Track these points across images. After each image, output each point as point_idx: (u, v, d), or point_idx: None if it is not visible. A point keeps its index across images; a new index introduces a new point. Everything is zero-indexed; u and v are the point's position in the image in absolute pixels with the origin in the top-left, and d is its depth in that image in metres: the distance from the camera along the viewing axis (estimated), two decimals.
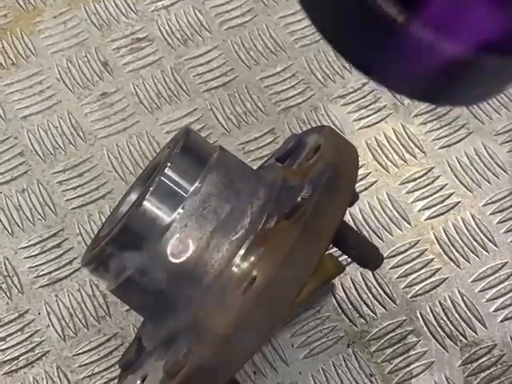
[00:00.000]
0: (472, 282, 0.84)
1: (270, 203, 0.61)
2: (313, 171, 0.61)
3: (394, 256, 0.85)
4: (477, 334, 0.81)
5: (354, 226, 0.87)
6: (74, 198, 0.89)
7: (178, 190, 0.61)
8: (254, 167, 0.90)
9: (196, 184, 0.61)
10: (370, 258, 0.64)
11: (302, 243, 0.56)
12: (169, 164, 0.62)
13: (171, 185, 0.61)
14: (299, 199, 0.57)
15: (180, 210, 0.60)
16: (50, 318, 0.82)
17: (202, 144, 0.66)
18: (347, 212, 0.80)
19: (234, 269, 0.58)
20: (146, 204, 0.60)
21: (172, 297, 0.61)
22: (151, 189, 0.61)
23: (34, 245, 0.86)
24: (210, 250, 0.59)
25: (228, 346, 0.54)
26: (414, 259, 0.85)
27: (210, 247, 0.60)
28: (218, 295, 0.57)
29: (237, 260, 0.58)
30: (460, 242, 0.86)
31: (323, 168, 0.60)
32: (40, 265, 0.85)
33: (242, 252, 0.58)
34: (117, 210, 0.68)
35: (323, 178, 0.58)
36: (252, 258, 0.58)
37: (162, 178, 0.61)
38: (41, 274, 0.85)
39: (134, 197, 0.68)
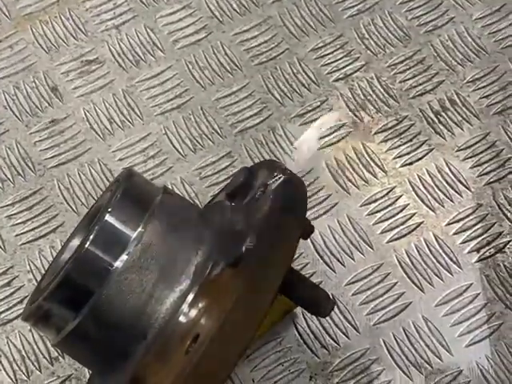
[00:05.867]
0: (436, 306, 0.82)
1: (216, 250, 0.58)
2: (259, 214, 0.59)
3: (356, 282, 0.83)
4: (442, 360, 0.79)
5: (314, 251, 0.85)
6: (23, 233, 0.86)
7: (119, 239, 0.58)
8: (211, 193, 0.88)
9: (138, 230, 0.59)
10: (320, 304, 0.62)
11: (247, 296, 0.53)
12: (109, 211, 0.59)
13: (111, 234, 0.59)
14: (243, 249, 0.55)
15: (121, 260, 0.58)
16: (1, 362, 0.79)
17: (145, 187, 0.63)
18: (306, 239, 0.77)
19: (178, 323, 0.56)
20: (85, 255, 0.57)
21: (115, 352, 0.58)
22: (90, 237, 0.58)
23: None
24: (153, 302, 0.57)
25: None
26: (376, 284, 0.83)
27: (153, 300, 0.57)
28: (161, 353, 0.55)
29: (180, 313, 0.56)
30: (423, 264, 0.84)
31: (269, 212, 0.57)
32: None
33: (185, 305, 0.56)
34: (59, 255, 0.65)
35: (269, 225, 0.56)
36: (196, 312, 0.55)
37: (102, 226, 0.58)
38: None
39: (76, 242, 0.65)
